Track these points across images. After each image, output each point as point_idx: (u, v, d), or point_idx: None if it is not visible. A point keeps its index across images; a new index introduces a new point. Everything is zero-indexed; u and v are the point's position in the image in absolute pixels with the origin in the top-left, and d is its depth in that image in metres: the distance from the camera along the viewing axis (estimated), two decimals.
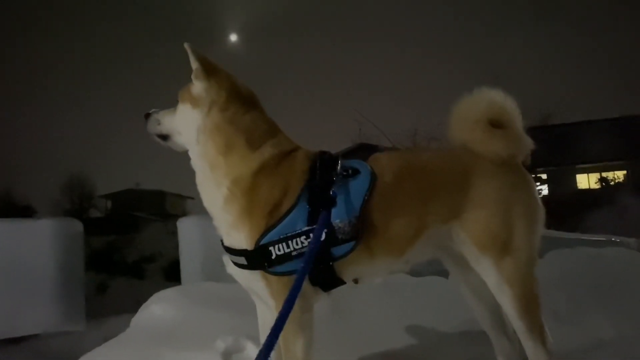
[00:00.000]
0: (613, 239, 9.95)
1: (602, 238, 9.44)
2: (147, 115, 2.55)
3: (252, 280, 2.32)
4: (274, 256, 2.20)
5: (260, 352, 1.74)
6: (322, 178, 2.29)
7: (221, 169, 2.32)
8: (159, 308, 3.22)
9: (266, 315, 2.53)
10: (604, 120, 33.66)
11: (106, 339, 3.11)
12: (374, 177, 2.35)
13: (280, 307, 2.18)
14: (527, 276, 2.46)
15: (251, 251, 2.23)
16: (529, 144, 2.58)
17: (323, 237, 2.19)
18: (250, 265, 2.26)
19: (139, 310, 3.35)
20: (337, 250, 2.25)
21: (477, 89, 2.59)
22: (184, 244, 5.29)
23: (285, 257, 2.20)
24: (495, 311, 2.73)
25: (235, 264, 2.33)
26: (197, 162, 2.40)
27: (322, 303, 2.39)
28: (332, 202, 2.24)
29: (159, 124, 2.52)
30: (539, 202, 2.57)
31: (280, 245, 2.20)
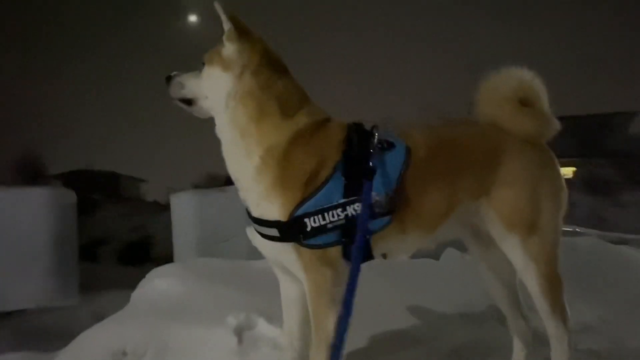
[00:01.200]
0: (578, 230, 10.32)
1: (568, 229, 9.78)
2: (169, 78, 2.40)
3: (283, 253, 2.23)
4: (309, 228, 2.12)
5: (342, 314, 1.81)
6: (359, 149, 2.22)
7: (253, 136, 2.21)
8: (164, 283, 3.11)
9: (290, 290, 2.47)
10: (557, 118, 34.68)
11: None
12: (408, 151, 2.30)
13: (312, 280, 2.19)
14: (552, 255, 2.47)
15: (285, 222, 2.13)
16: (556, 124, 2.58)
17: (360, 210, 2.14)
18: (283, 237, 2.17)
19: (139, 285, 3.23)
20: (373, 224, 2.19)
21: (506, 67, 2.57)
22: (177, 221, 5.13)
23: (320, 230, 2.13)
24: (513, 290, 2.75)
25: (264, 235, 2.24)
26: (225, 128, 2.27)
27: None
28: (373, 173, 2.19)
29: (183, 87, 2.37)
30: (564, 183, 2.57)
31: (316, 217, 2.12)
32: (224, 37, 2.27)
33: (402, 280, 4.04)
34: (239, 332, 2.76)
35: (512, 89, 2.55)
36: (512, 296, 2.77)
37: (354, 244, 2.06)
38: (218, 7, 2.23)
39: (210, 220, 4.92)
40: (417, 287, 3.91)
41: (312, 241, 2.15)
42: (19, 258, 4.86)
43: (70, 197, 5.23)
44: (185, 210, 5.04)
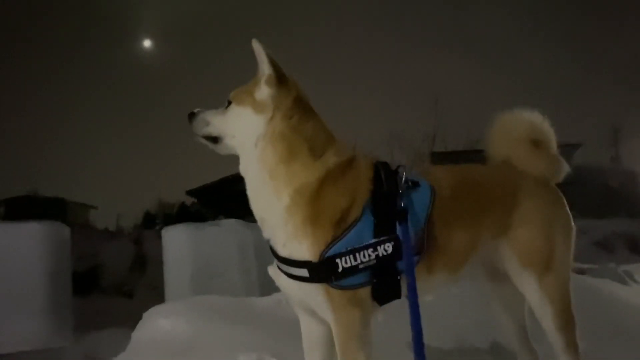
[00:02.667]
0: None
1: None
2: (192, 115, 2.40)
3: (311, 294, 2.19)
4: (340, 269, 2.09)
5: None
6: (388, 189, 2.23)
7: (281, 177, 2.20)
8: (167, 322, 3.01)
9: (313, 331, 2.42)
10: None
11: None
12: (433, 190, 2.33)
13: (341, 321, 2.16)
14: (566, 293, 2.53)
15: (316, 263, 2.11)
16: (566, 166, 2.69)
17: (390, 250, 2.15)
18: (313, 278, 2.13)
19: (139, 324, 3.11)
20: (402, 265, 2.18)
21: (517, 108, 2.68)
22: (169, 256, 4.97)
23: (351, 270, 2.11)
24: (523, 327, 2.79)
25: (291, 275, 2.20)
26: (253, 168, 2.27)
27: (377, 318, 2.33)
28: (406, 214, 2.21)
29: (208, 124, 2.37)
30: (573, 222, 2.67)
31: (347, 257, 2.10)
32: (263, 81, 2.27)
33: (394, 315, 4.00)
34: None
35: (525, 130, 2.66)
36: (522, 332, 2.81)
37: (408, 282, 2.10)
38: (258, 49, 2.24)
39: (203, 254, 4.81)
40: (406, 324, 3.88)
41: (343, 282, 2.12)
42: (10, 297, 4.61)
43: (64, 231, 5.02)
44: (179, 244, 4.91)
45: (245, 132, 2.29)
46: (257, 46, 2.23)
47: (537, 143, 2.66)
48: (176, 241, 4.98)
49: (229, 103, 2.36)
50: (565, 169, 2.69)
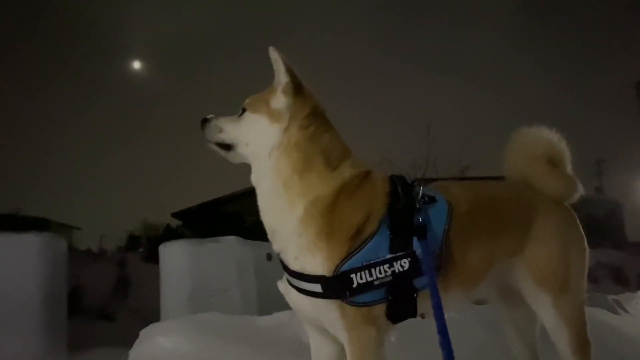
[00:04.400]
0: None
1: None
2: (205, 121, 2.33)
3: (324, 311, 2.09)
4: (355, 285, 2.00)
5: None
6: (406, 204, 2.16)
7: (296, 188, 2.12)
8: (167, 341, 2.88)
9: (323, 350, 2.33)
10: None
11: None
12: (450, 206, 2.27)
13: (355, 340, 2.07)
14: (581, 316, 2.47)
15: (330, 278, 2.02)
16: (580, 187, 2.65)
17: (407, 266, 2.07)
18: (327, 294, 2.04)
19: (137, 342, 2.98)
20: (418, 282, 2.11)
21: (534, 126, 2.66)
22: (166, 273, 4.83)
23: (367, 286, 2.02)
24: (534, 351, 2.73)
25: (302, 291, 2.11)
26: (266, 178, 2.19)
27: (389, 337, 2.26)
28: (425, 230, 2.14)
29: (221, 131, 2.30)
30: (586, 243, 2.62)
31: (362, 272, 2.01)
32: (280, 90, 2.21)
33: (407, 336, 3.92)
34: None
35: (543, 149, 2.62)
36: (533, 356, 2.74)
37: (432, 298, 2.01)
38: (275, 56, 2.18)
39: (201, 272, 4.70)
40: (410, 344, 3.82)
41: (357, 298, 2.03)
42: (4, 312, 4.41)
43: (61, 245, 4.85)
44: (177, 261, 4.78)
45: (260, 141, 2.22)
46: (274, 54, 2.17)
47: (553, 162, 2.63)
48: (174, 257, 4.85)
49: (244, 111, 2.29)
50: (580, 190, 2.65)
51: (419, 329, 4.13)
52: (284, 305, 3.49)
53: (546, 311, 2.45)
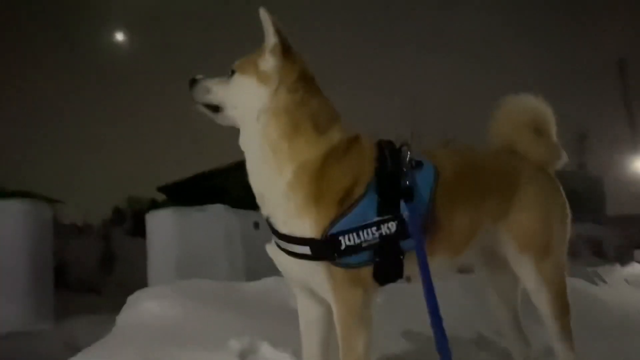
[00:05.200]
0: None
1: None
2: (193, 82, 2.30)
3: (312, 273, 2.12)
4: (343, 247, 2.03)
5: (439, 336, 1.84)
6: (393, 167, 2.17)
7: (284, 152, 2.12)
8: (155, 305, 2.89)
9: (311, 312, 2.36)
10: None
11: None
12: (436, 171, 2.28)
13: (342, 301, 2.10)
14: (562, 279, 2.52)
15: (319, 240, 2.03)
16: (564, 155, 2.69)
17: (394, 229, 2.09)
18: (316, 256, 2.06)
19: (124, 308, 2.99)
20: (405, 244, 2.13)
21: (522, 94, 2.68)
22: (153, 241, 4.81)
23: (355, 248, 2.04)
24: (517, 315, 2.77)
25: (291, 253, 2.12)
26: (254, 142, 2.17)
27: (376, 299, 2.28)
28: (412, 193, 2.15)
29: (209, 92, 2.27)
30: (569, 209, 2.66)
31: (350, 235, 2.03)
32: (268, 51, 2.18)
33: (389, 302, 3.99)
34: (244, 357, 2.60)
35: (530, 116, 2.65)
36: (515, 320, 2.78)
37: (418, 253, 2.04)
38: (265, 17, 2.15)
39: (188, 240, 4.70)
40: (400, 311, 3.88)
41: (345, 260, 2.06)
42: None
43: (47, 211, 4.79)
44: (162, 229, 4.76)
45: (248, 103, 2.20)
46: (264, 14, 2.14)
47: (539, 130, 2.66)
48: (161, 225, 4.83)
49: (232, 72, 2.26)
50: (564, 158, 2.69)
51: (406, 293, 4.22)
52: (271, 273, 3.52)
53: (528, 274, 2.50)
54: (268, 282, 3.42)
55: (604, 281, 10.42)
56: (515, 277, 2.61)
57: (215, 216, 4.87)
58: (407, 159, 2.21)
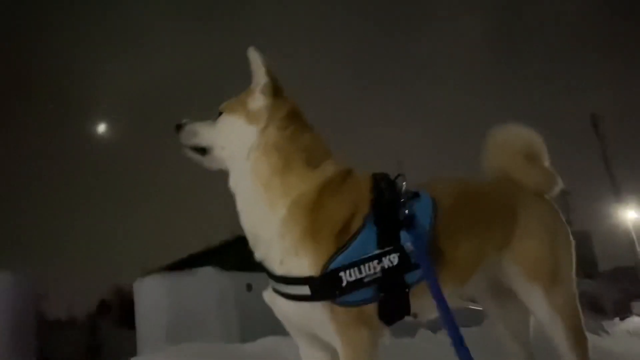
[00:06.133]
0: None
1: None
2: (179, 127, 2.27)
3: (313, 315, 1.98)
4: (344, 283, 1.91)
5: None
6: (390, 198, 2.09)
7: (277, 188, 2.05)
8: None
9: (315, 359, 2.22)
10: None
11: None
12: (434, 201, 2.21)
13: (348, 343, 1.95)
14: (575, 308, 2.41)
15: (318, 278, 1.91)
16: (559, 180, 2.66)
17: (396, 261, 1.99)
18: (315, 295, 1.93)
19: None
20: (409, 277, 2.02)
21: (511, 123, 2.68)
22: (142, 309, 4.60)
23: (357, 284, 1.92)
24: (530, 351, 2.66)
25: (290, 296, 2.00)
26: (245, 180, 2.12)
27: (385, 340, 2.12)
28: (413, 220, 2.06)
29: (196, 135, 2.24)
30: (571, 235, 2.58)
31: (351, 270, 1.92)
32: (258, 90, 2.17)
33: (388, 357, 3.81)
34: None
35: (521, 144, 2.64)
36: (529, 354, 2.65)
37: (429, 281, 1.93)
38: (254, 57, 2.16)
39: (179, 305, 4.51)
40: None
41: (348, 298, 1.93)
42: None
43: (27, 282, 4.58)
44: (151, 296, 4.56)
45: (237, 142, 2.16)
46: (253, 55, 2.16)
47: (531, 157, 2.64)
48: (149, 293, 4.63)
49: (220, 114, 2.24)
50: (560, 183, 2.66)
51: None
52: (267, 334, 3.35)
53: (539, 304, 2.38)
54: (265, 342, 3.23)
55: (607, 332, 10.25)
56: (525, 310, 2.49)
57: (205, 279, 4.71)
58: (404, 190, 2.14)
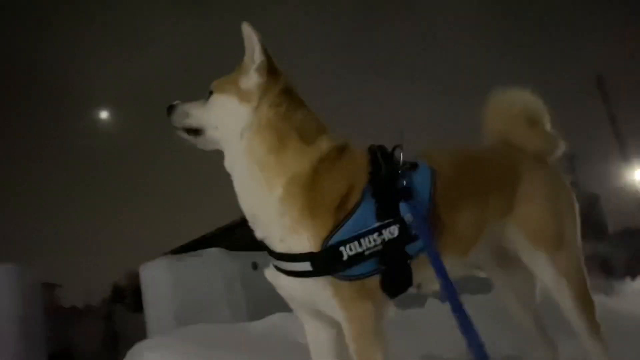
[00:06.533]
0: None
1: None
2: (171, 108, 2.23)
3: (316, 291, 1.98)
4: (345, 257, 1.90)
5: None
6: (388, 170, 2.06)
7: (272, 168, 2.03)
8: (157, 356, 2.69)
9: (319, 335, 2.20)
10: None
11: None
12: (433, 171, 2.18)
13: (352, 316, 1.95)
14: (580, 271, 2.40)
15: (319, 253, 1.91)
16: (562, 143, 2.63)
17: (396, 233, 1.97)
18: (317, 271, 1.93)
19: None
20: (411, 248, 2.01)
21: (510, 87, 2.63)
22: (149, 293, 4.63)
23: (357, 258, 1.92)
24: (538, 317, 2.64)
25: (292, 273, 1.99)
26: (240, 160, 2.09)
27: (389, 313, 2.09)
28: (411, 192, 2.04)
29: (187, 116, 2.19)
30: (574, 197, 2.56)
31: (351, 244, 1.92)
32: (253, 69, 2.12)
33: (397, 328, 3.83)
34: None
35: (521, 108, 2.61)
36: (537, 322, 2.64)
37: (429, 251, 1.93)
38: (249, 34, 2.10)
39: (185, 288, 4.53)
40: (416, 335, 3.71)
41: (349, 272, 1.93)
42: None
43: (28, 275, 4.58)
44: (157, 280, 4.59)
45: (229, 122, 2.12)
46: (248, 30, 2.09)
47: (532, 120, 2.62)
48: (155, 276, 4.66)
49: (210, 93, 2.19)
50: (562, 145, 2.63)
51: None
52: (275, 311, 3.35)
53: (544, 269, 2.38)
54: (273, 319, 3.26)
55: (616, 293, 10.28)
56: (531, 275, 2.48)
57: (211, 261, 4.72)
58: (401, 161, 2.11)
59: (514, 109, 2.62)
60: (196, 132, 2.20)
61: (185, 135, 2.22)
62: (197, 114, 2.19)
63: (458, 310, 1.77)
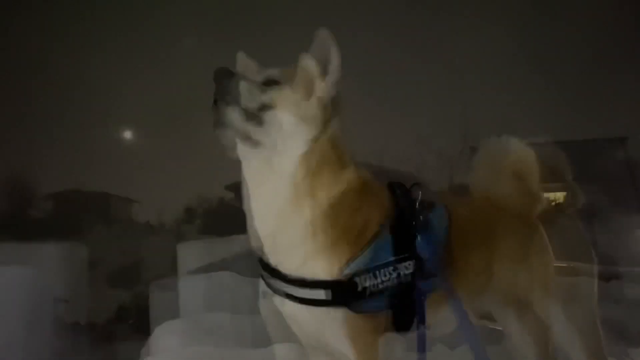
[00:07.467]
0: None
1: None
2: (230, 74, 2.02)
3: (326, 320, 1.97)
4: (360, 288, 1.91)
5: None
6: (406, 206, 2.11)
7: (306, 191, 1.99)
8: (175, 341, 2.85)
9: None
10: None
11: None
12: (449, 211, 2.23)
13: (361, 352, 1.96)
14: (546, 333, 2.45)
15: (335, 282, 1.91)
16: (545, 201, 2.62)
17: (411, 269, 2.02)
18: (332, 300, 1.92)
19: (150, 341, 2.94)
20: (424, 285, 2.04)
21: (504, 137, 2.62)
22: (185, 272, 4.76)
23: (373, 290, 1.93)
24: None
25: (304, 301, 1.97)
26: (275, 179, 2.01)
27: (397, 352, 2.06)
28: (427, 226, 2.08)
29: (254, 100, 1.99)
30: (552, 255, 2.54)
31: (367, 276, 1.93)
32: (331, 81, 2.04)
33: None
34: None
35: (510, 161, 2.59)
36: None
37: (446, 288, 2.00)
38: (327, 41, 2.02)
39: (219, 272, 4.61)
40: None
41: (363, 304, 1.94)
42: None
43: (82, 251, 4.68)
44: (194, 260, 4.71)
45: (291, 148, 2.01)
46: (326, 36, 2.01)
47: (519, 174, 2.58)
48: (191, 258, 4.75)
49: (270, 82, 2.05)
50: (545, 204, 2.63)
51: None
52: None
53: (512, 326, 2.45)
54: (277, 347, 3.21)
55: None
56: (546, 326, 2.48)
57: (241, 246, 4.76)
58: (419, 199, 2.14)
59: (502, 160, 2.59)
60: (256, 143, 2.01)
61: (241, 124, 1.97)
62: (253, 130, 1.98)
63: (475, 345, 1.85)
